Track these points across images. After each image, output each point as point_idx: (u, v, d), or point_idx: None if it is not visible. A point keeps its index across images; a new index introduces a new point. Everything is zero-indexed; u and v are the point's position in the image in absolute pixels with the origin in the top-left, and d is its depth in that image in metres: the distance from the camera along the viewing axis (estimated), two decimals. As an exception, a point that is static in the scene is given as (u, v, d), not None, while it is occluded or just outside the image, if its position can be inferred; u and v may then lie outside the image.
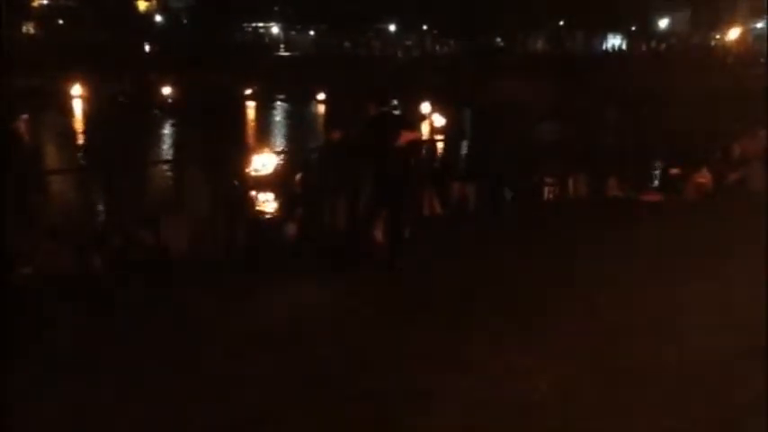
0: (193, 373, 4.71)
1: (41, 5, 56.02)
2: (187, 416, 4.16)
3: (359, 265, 6.83)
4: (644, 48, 55.70)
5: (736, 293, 6.00)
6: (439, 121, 23.26)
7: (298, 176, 11.29)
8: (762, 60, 42.37)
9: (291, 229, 8.86)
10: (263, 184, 11.33)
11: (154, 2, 59.97)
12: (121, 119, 27.98)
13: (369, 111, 6.80)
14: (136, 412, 4.20)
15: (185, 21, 58.64)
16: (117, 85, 38.54)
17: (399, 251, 6.85)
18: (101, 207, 11.99)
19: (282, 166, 12.35)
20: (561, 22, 55.97)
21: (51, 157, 23.53)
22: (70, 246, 7.50)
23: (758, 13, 54.15)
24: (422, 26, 59.17)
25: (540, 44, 59.53)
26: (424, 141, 16.71)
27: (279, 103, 41.14)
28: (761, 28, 54.74)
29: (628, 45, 58.73)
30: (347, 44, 58.49)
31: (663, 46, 55.32)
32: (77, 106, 37.12)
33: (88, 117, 34.32)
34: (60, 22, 55.38)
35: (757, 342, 4.98)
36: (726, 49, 51.53)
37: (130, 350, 5.05)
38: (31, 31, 54.41)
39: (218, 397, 4.38)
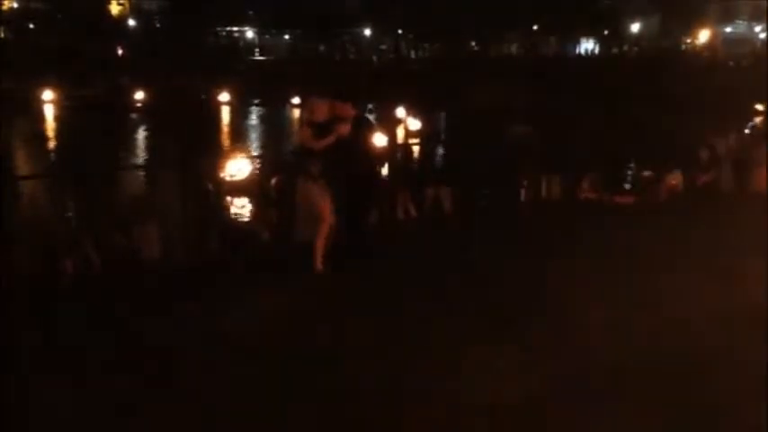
0: (164, 379, 4.66)
1: (11, 8, 55.23)
2: (158, 424, 4.12)
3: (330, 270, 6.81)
4: (615, 51, 56.45)
5: (708, 290, 6.08)
6: (414, 124, 23.29)
7: (273, 180, 11.26)
8: (731, 64, 43.10)
9: (266, 233, 8.82)
10: (238, 188, 11.29)
11: (126, 5, 59.42)
12: (94, 123, 27.64)
13: (343, 113, 6.77)
14: (106, 422, 4.15)
15: (158, 24, 58.16)
16: (85, 90, 38.04)
17: (365, 251, 6.87)
18: (72, 212, 11.84)
19: (258, 170, 12.30)
20: (535, 27, 56.44)
21: (21, 161, 23.19)
22: (37, 251, 7.39)
23: (728, 18, 55.09)
24: (397, 30, 59.32)
25: (513, 48, 60.01)
26: (399, 145, 16.74)
27: (254, 106, 40.97)
28: (730, 32, 55.69)
29: (600, 49, 59.41)
30: (322, 48, 58.47)
31: (634, 50, 56.09)
32: (48, 110, 36.63)
33: (58, 121, 33.88)
34: (31, 25, 54.65)
35: (730, 332, 5.08)
36: (696, 52, 52.31)
37: (100, 357, 4.98)
38: (1, 34, 53.63)
39: (190, 403, 4.33)
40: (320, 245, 6.67)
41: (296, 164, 6.83)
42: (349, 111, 6.74)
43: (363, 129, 6.85)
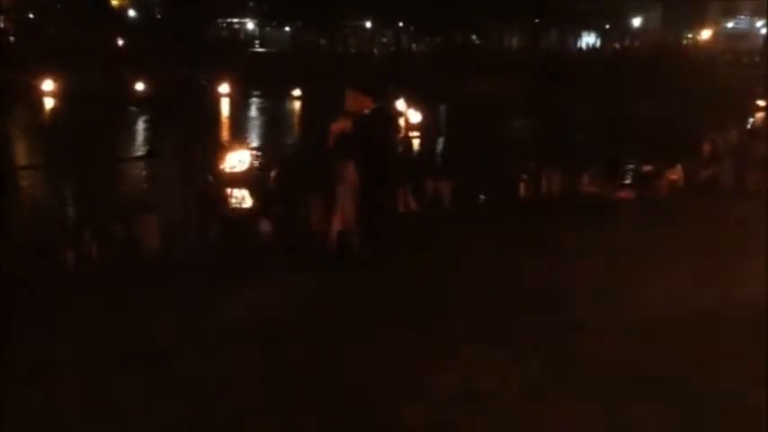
0: (165, 373, 4.65)
1: (11, -2, 55.08)
2: (160, 417, 4.11)
3: (336, 262, 6.82)
4: (617, 46, 56.36)
5: (705, 290, 6.06)
6: (414, 117, 23.26)
7: (273, 173, 11.27)
8: (732, 59, 43.02)
9: (266, 225, 8.82)
10: (237, 180, 11.29)
11: (127, -4, 59.26)
12: (93, 114, 27.59)
13: (365, 105, 6.81)
14: (108, 413, 4.14)
15: (159, 15, 58.02)
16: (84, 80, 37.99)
17: (379, 244, 6.91)
18: (72, 203, 11.85)
19: (258, 162, 12.31)
20: (536, 20, 56.30)
21: (20, 152, 23.18)
22: (37, 242, 7.41)
23: (729, 13, 54.98)
24: (398, 23, 59.21)
25: (515, 42, 59.92)
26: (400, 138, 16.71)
27: (254, 98, 40.95)
28: (732, 27, 55.58)
29: (602, 43, 59.34)
30: (323, 41, 58.39)
31: (636, 44, 56.01)
32: (47, 101, 36.60)
33: (57, 112, 33.85)
34: (31, 15, 54.51)
35: (728, 332, 5.06)
36: (697, 47, 52.22)
37: (101, 349, 4.98)
38: (1, 24, 53.49)
39: (192, 397, 4.33)
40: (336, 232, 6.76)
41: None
42: (367, 103, 6.80)
43: (381, 121, 6.88)
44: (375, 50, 56.65)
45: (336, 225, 6.82)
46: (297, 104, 38.61)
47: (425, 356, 4.86)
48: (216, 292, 6.14)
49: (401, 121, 24.05)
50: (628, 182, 12.21)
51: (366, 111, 6.77)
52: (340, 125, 6.73)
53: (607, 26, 58.94)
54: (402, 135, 8.60)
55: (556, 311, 5.66)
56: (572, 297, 5.95)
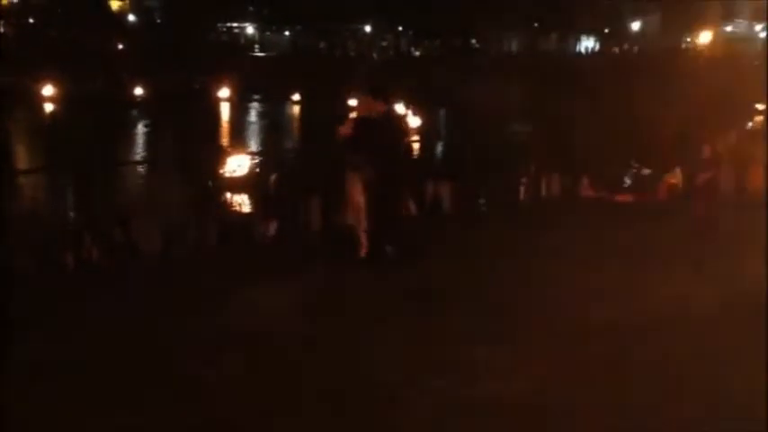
0: (165, 374, 4.65)
1: (11, 3, 55.10)
2: (157, 419, 4.11)
3: (338, 263, 6.84)
4: (617, 50, 56.49)
5: (706, 293, 6.07)
6: (414, 121, 23.30)
7: (273, 177, 11.31)
8: (731, 63, 43.06)
9: (265, 228, 8.83)
10: (237, 184, 11.32)
11: (127, 1, 59.30)
12: (93, 118, 27.59)
13: (375, 108, 6.84)
14: (105, 416, 4.14)
15: (159, 20, 58.09)
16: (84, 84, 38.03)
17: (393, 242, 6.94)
18: (72, 206, 11.86)
19: (257, 166, 12.34)
20: (536, 24, 56.41)
21: (21, 155, 23.19)
22: (38, 244, 7.42)
23: (728, 17, 55.07)
24: (397, 27, 59.30)
25: (514, 45, 60.01)
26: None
27: (254, 103, 40.99)
28: (731, 31, 55.68)
29: (601, 47, 59.45)
30: (323, 44, 58.49)
31: (635, 48, 56.14)
32: (47, 105, 36.61)
33: (58, 116, 33.87)
34: (31, 20, 54.56)
35: (736, 334, 5.07)
36: (696, 51, 52.30)
37: (100, 350, 4.98)
38: (1, 29, 53.53)
39: (190, 399, 4.33)
40: (362, 233, 6.82)
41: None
42: (374, 106, 6.84)
43: (390, 124, 6.92)
44: (374, 54, 56.73)
45: (362, 225, 6.85)
46: (296, 109, 38.64)
47: (427, 356, 4.88)
48: (214, 295, 6.15)
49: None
50: (627, 185, 12.22)
51: (375, 114, 6.79)
52: (347, 127, 6.78)
53: (606, 30, 59.03)
54: (407, 138, 8.61)
55: (555, 312, 5.68)
56: (570, 298, 5.96)
